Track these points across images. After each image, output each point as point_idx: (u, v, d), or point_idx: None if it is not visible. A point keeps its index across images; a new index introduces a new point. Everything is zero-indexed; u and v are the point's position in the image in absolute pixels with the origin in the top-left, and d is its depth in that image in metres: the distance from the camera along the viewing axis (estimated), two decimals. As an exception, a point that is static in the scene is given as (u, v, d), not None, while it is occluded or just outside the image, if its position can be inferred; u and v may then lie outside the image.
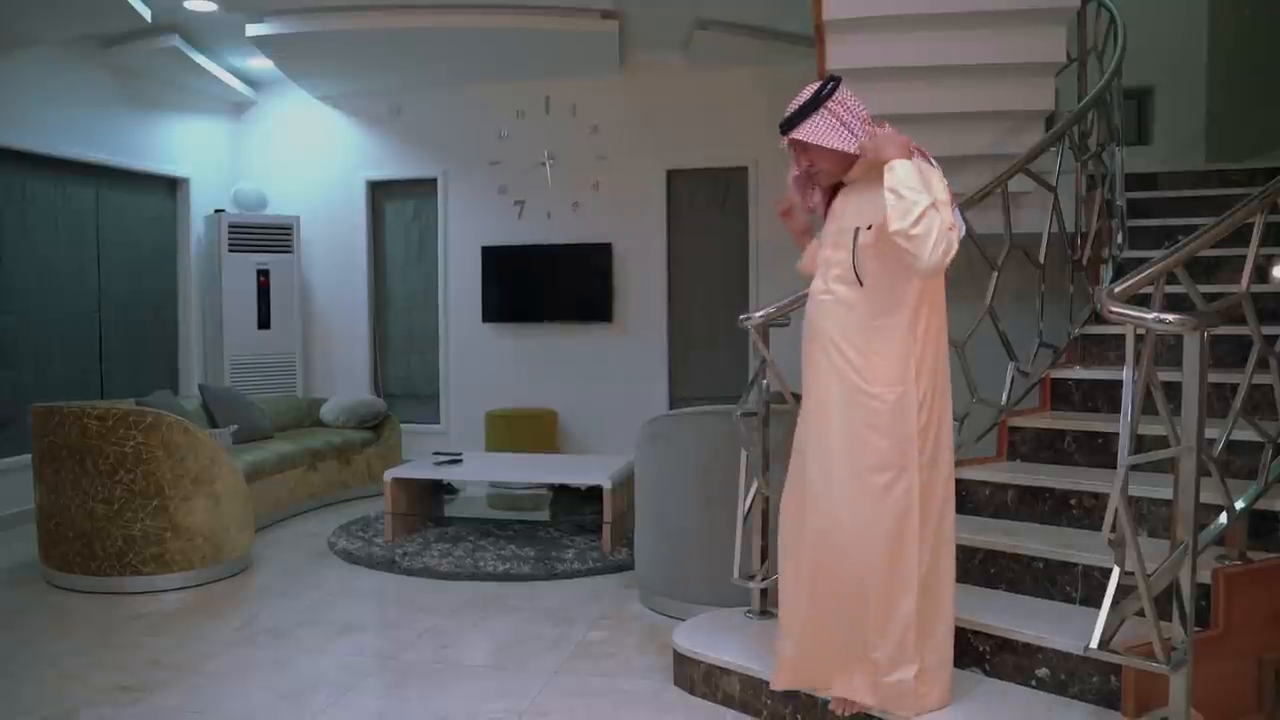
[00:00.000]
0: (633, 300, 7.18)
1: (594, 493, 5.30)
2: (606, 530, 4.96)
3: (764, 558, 3.44)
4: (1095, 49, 4.67)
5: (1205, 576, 2.58)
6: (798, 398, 3.30)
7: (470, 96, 7.39)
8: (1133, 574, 2.30)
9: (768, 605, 3.46)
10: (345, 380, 7.69)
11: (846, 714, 2.72)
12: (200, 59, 6.71)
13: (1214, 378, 2.88)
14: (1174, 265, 2.47)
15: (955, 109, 4.80)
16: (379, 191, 7.77)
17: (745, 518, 3.45)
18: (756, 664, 3.03)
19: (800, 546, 2.77)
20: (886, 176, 2.51)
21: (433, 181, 7.56)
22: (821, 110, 2.65)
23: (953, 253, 2.44)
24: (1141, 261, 2.65)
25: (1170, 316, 2.28)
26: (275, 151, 7.79)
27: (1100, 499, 3.14)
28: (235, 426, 5.78)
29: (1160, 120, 6.51)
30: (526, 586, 4.52)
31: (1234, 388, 2.78)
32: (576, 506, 5.77)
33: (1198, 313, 2.34)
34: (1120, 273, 4.19)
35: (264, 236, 7.36)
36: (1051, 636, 2.73)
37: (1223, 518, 2.66)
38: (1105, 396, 3.74)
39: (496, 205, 7.40)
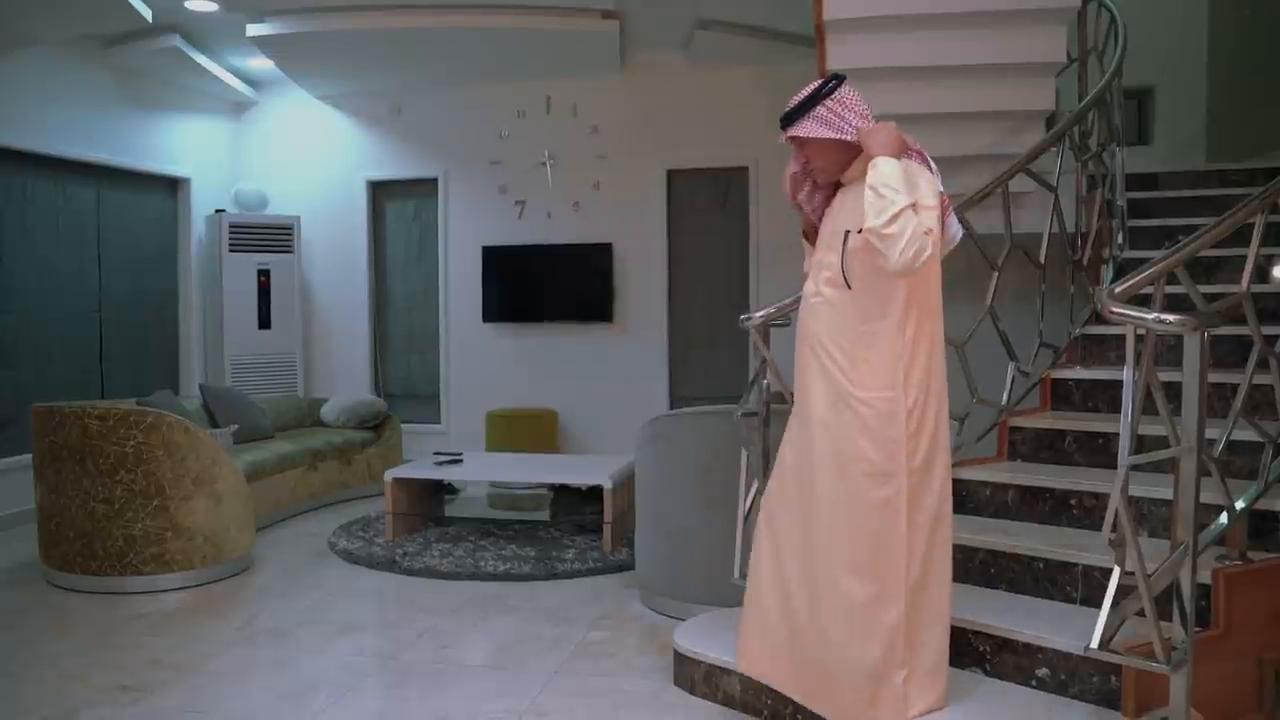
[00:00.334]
0: (633, 300, 7.18)
1: (594, 493, 5.31)
2: (607, 530, 4.96)
3: (764, 558, 3.43)
4: (1095, 49, 4.66)
5: (1205, 576, 2.58)
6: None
7: (471, 96, 7.39)
8: (1133, 574, 2.30)
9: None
10: (346, 380, 7.69)
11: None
12: (201, 59, 6.72)
13: (1214, 378, 2.88)
14: (1174, 265, 2.47)
15: (956, 109, 4.80)
16: (379, 191, 7.77)
17: (745, 518, 3.45)
18: (757, 664, 3.03)
19: (784, 544, 2.77)
20: (869, 173, 2.50)
21: (433, 181, 7.57)
22: (819, 107, 2.64)
23: (924, 256, 2.42)
24: (1142, 262, 2.65)
25: (1170, 317, 2.28)
26: (276, 151, 7.80)
27: (1101, 499, 3.14)
28: (236, 426, 5.79)
29: (1161, 120, 6.51)
30: (527, 586, 4.52)
31: (1234, 388, 2.78)
32: (577, 506, 5.77)
33: (1198, 313, 2.34)
34: (1121, 273, 4.19)
35: (264, 236, 7.36)
36: (1052, 636, 2.73)
37: (1223, 518, 2.66)
38: (1106, 397, 3.74)
39: (497, 205, 7.40)
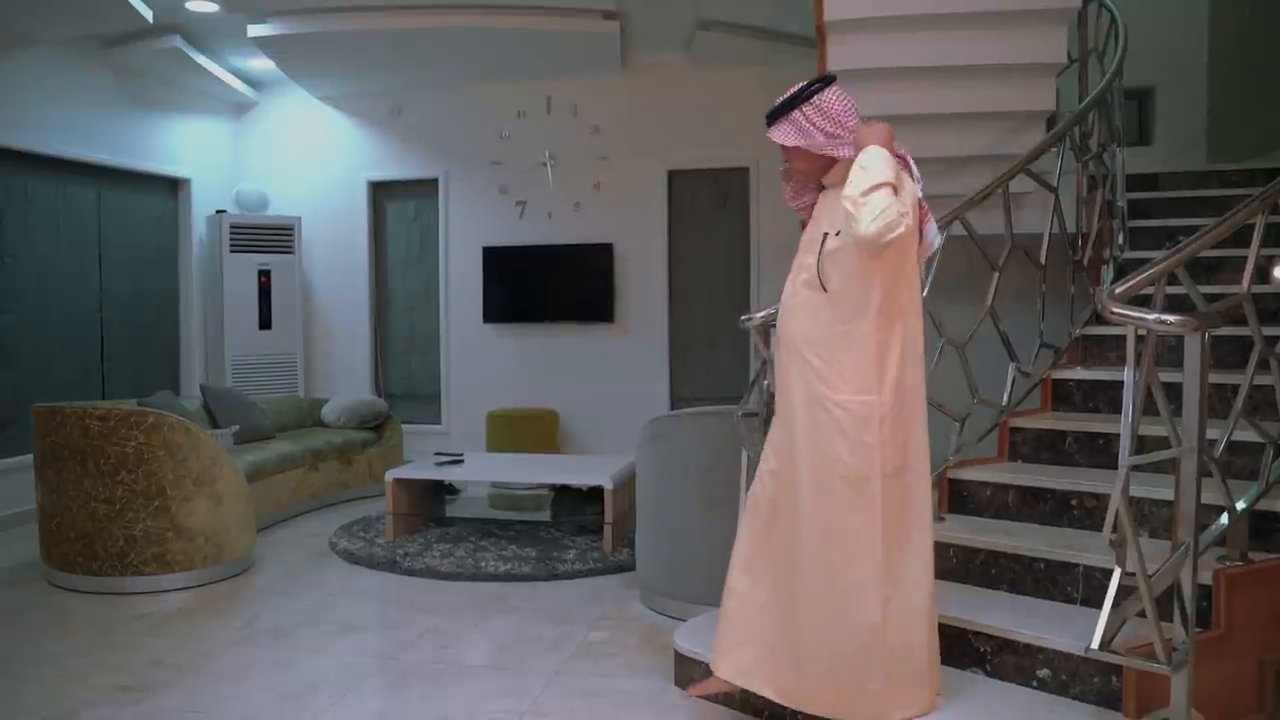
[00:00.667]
0: (634, 300, 7.18)
1: (595, 493, 5.31)
2: (607, 531, 4.96)
3: (765, 558, 3.43)
4: (1096, 49, 4.66)
5: (1206, 577, 2.58)
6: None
7: (471, 97, 7.39)
8: (1134, 575, 2.30)
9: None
10: (346, 380, 7.69)
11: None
12: (202, 59, 6.72)
13: (1215, 378, 2.88)
14: (1175, 266, 2.47)
15: (956, 109, 4.80)
16: (380, 192, 7.77)
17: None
18: (757, 664, 3.03)
19: (764, 546, 2.77)
20: (860, 156, 2.50)
21: (434, 182, 7.57)
22: (796, 111, 2.63)
23: (894, 234, 2.40)
24: (1142, 262, 2.65)
25: (1171, 317, 2.28)
26: (276, 152, 7.80)
27: (1101, 500, 3.14)
28: (237, 427, 5.79)
29: (1161, 121, 6.51)
30: (527, 587, 4.52)
31: (1235, 388, 2.78)
32: (577, 507, 5.77)
33: (1199, 313, 2.34)
34: (1121, 273, 4.18)
35: (265, 237, 7.36)
36: (1052, 637, 2.73)
37: (1224, 518, 2.66)
38: (1106, 397, 3.74)
39: (497, 205, 7.40)
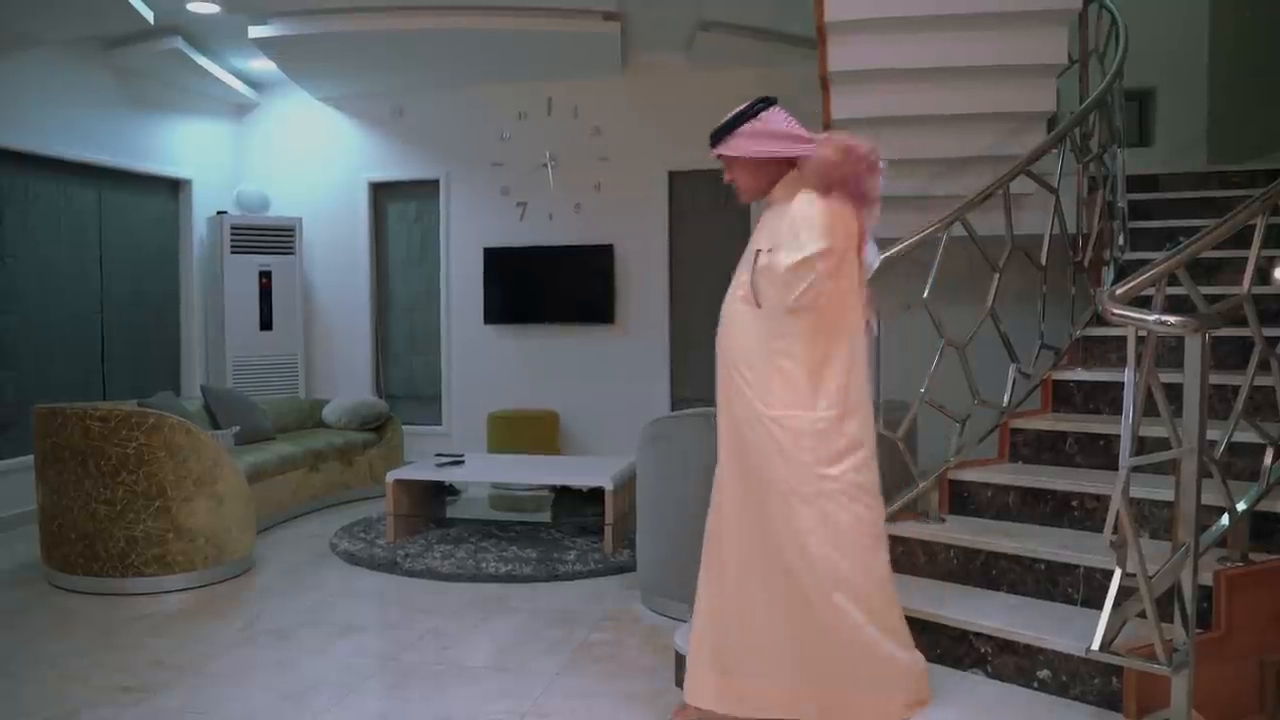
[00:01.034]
0: (634, 301, 7.19)
1: (596, 494, 5.31)
2: (608, 531, 4.96)
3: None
4: (1097, 50, 4.67)
5: (1207, 578, 2.58)
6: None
7: (472, 98, 7.39)
8: (1134, 575, 2.30)
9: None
10: (347, 381, 7.69)
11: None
12: (202, 61, 6.72)
13: (1215, 379, 2.88)
14: (1175, 267, 2.47)
15: (957, 110, 4.80)
16: (381, 193, 7.77)
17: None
18: (758, 665, 3.03)
19: (723, 560, 2.75)
20: (800, 205, 2.56)
21: (434, 183, 7.57)
22: (738, 131, 2.74)
23: (811, 304, 2.48)
24: (1143, 263, 2.65)
25: (1171, 318, 2.28)
26: (277, 153, 7.80)
27: (1102, 500, 3.14)
28: (237, 428, 5.79)
29: (1162, 122, 6.51)
30: (528, 588, 4.52)
31: (1235, 389, 2.78)
32: (578, 508, 5.77)
33: (1199, 314, 2.35)
34: (1122, 274, 4.19)
35: (266, 238, 7.37)
36: (1053, 638, 2.73)
37: (1224, 519, 2.66)
38: (1107, 398, 3.74)
39: (498, 206, 7.41)
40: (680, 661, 3.26)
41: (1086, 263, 4.11)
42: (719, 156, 2.76)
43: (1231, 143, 5.90)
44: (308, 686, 3.35)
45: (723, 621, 2.73)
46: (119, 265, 6.76)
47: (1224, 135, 6.05)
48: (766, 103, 2.73)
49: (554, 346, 7.33)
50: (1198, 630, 2.35)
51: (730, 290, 2.74)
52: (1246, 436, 2.88)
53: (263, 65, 7.02)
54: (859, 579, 2.55)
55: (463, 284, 7.50)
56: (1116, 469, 2.37)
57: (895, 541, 3.40)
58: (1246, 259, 2.74)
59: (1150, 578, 2.29)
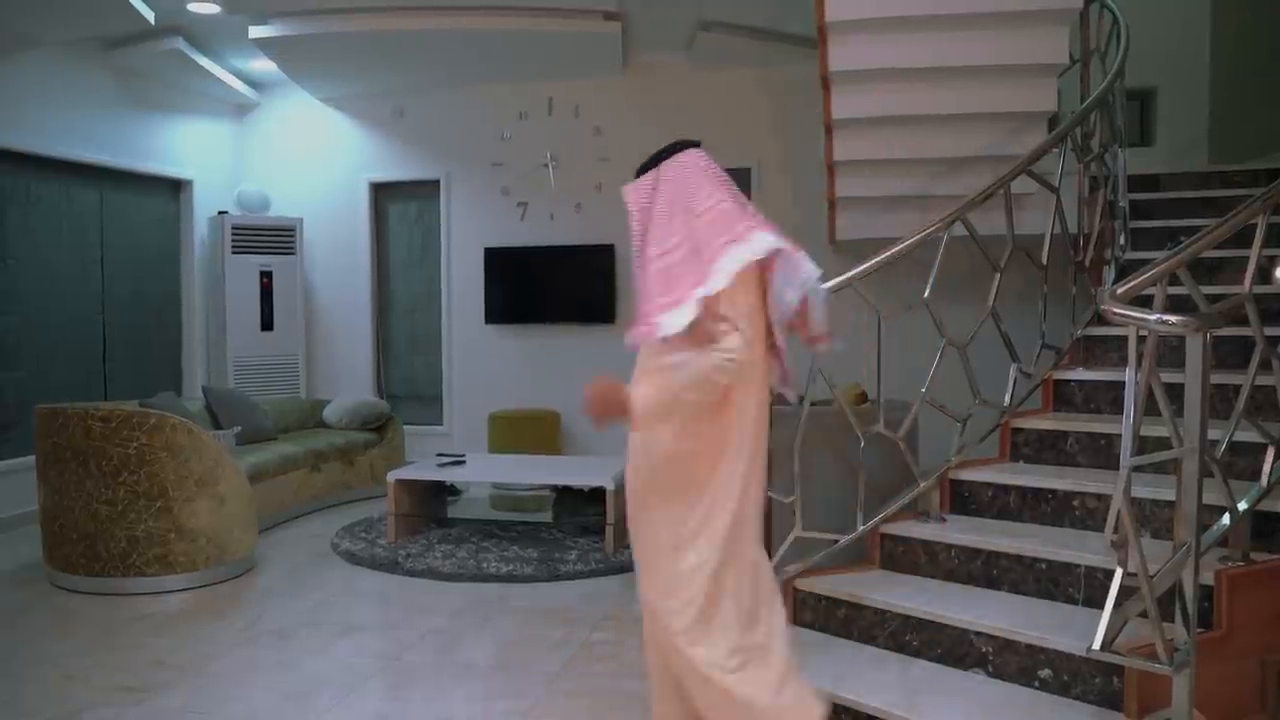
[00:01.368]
0: (635, 301, 7.16)
1: (596, 494, 5.31)
2: (609, 531, 4.96)
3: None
4: (1098, 50, 4.67)
5: (1208, 578, 2.58)
6: (800, 399, 3.31)
7: (473, 98, 7.40)
8: (1135, 575, 2.30)
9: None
10: (348, 381, 7.69)
11: None
12: (203, 61, 6.73)
13: (1216, 379, 2.88)
14: (1176, 266, 2.47)
15: (957, 110, 4.81)
16: (381, 193, 7.77)
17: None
18: (759, 665, 3.03)
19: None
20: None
21: (435, 183, 7.57)
22: (646, 176, 2.65)
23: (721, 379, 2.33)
24: (1144, 263, 2.65)
25: (1172, 318, 2.28)
26: (278, 153, 7.81)
27: (1103, 500, 3.14)
28: (239, 428, 5.79)
29: (1163, 121, 6.51)
30: (529, 588, 4.53)
31: (1236, 389, 2.78)
32: (579, 508, 5.77)
33: (1200, 314, 2.35)
34: (1123, 274, 4.19)
35: (267, 238, 7.37)
36: (1054, 638, 2.73)
37: (1225, 519, 2.66)
38: (1108, 398, 3.74)
39: (499, 206, 7.40)
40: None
41: (1087, 262, 4.11)
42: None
43: (1232, 142, 5.90)
44: (309, 686, 3.35)
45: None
46: (120, 266, 6.77)
47: (1225, 135, 6.05)
48: (686, 146, 2.65)
49: (555, 346, 7.32)
50: (1199, 630, 2.35)
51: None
52: (1248, 436, 2.87)
53: (263, 65, 7.02)
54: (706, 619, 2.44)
55: (463, 284, 7.50)
56: (1118, 469, 2.37)
57: (897, 541, 3.41)
58: (1248, 258, 2.74)
59: (1151, 577, 2.29)
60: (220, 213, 7.32)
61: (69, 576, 4.47)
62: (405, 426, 7.15)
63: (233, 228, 7.22)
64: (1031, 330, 3.83)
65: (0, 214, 5.83)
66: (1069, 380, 3.85)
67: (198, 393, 6.66)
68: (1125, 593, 2.36)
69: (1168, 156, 6.15)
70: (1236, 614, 2.57)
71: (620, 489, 5.02)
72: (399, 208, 7.78)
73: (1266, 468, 2.81)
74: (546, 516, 5.84)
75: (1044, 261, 3.79)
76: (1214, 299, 2.64)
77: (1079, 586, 2.97)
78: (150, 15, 5.65)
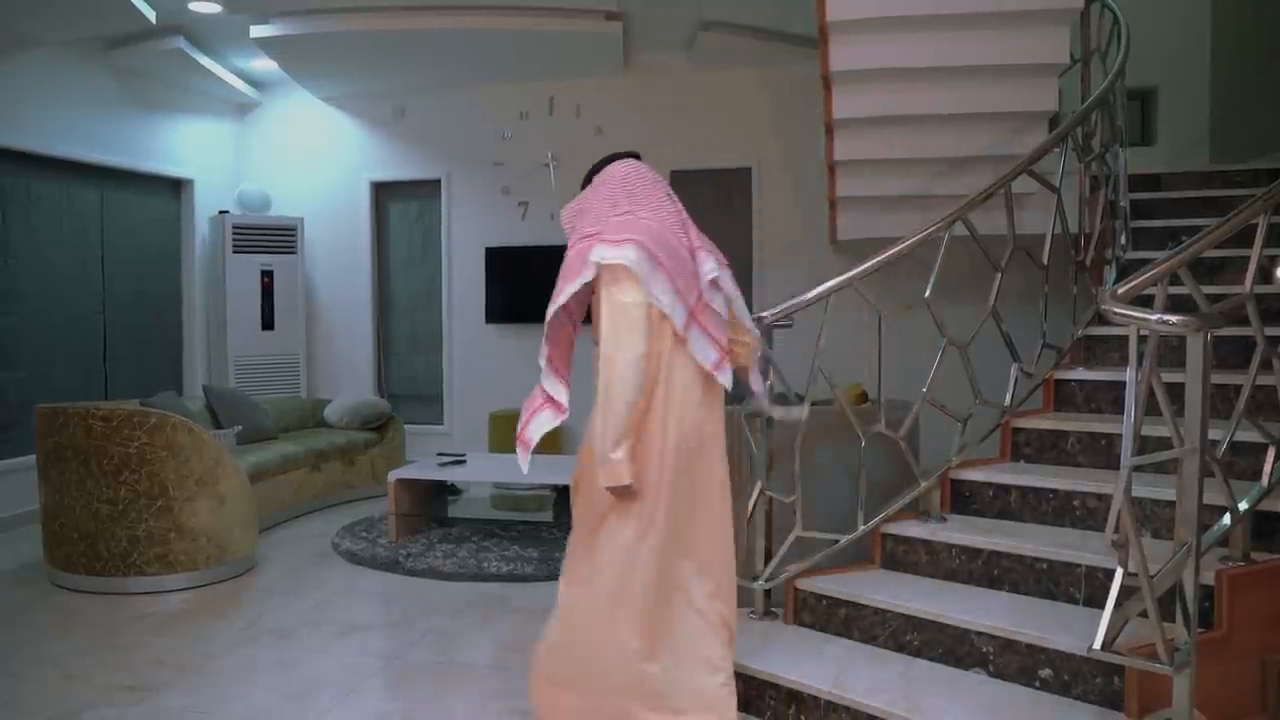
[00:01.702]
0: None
1: (597, 493, 5.30)
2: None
3: (768, 559, 3.44)
4: (1098, 50, 4.66)
5: (1208, 578, 2.57)
6: (801, 399, 3.31)
7: (474, 97, 7.40)
8: (1136, 575, 2.30)
9: (771, 606, 3.46)
10: (349, 381, 7.69)
11: None
12: (204, 60, 6.73)
13: (1217, 379, 2.88)
14: (1177, 266, 2.47)
15: (958, 109, 4.81)
16: (382, 192, 7.78)
17: (749, 518, 3.45)
18: (760, 664, 3.03)
19: None
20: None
21: (436, 183, 7.58)
22: (578, 197, 2.78)
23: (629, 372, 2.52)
24: (1145, 262, 2.65)
25: (1173, 318, 2.27)
26: (279, 153, 7.81)
27: (1103, 500, 3.14)
28: (239, 427, 5.79)
29: (1164, 121, 6.51)
30: (530, 587, 4.53)
31: (1237, 389, 2.77)
32: (580, 507, 5.76)
33: (1201, 314, 2.34)
34: (1124, 274, 4.18)
35: (268, 237, 7.37)
36: (1055, 637, 2.73)
37: (1226, 519, 2.66)
38: (1108, 397, 3.74)
39: (500, 206, 7.41)
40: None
41: (1088, 262, 4.10)
42: None
43: (1233, 142, 5.90)
44: (310, 686, 3.35)
45: None
46: (121, 265, 6.77)
47: (1226, 134, 6.05)
48: (611, 160, 2.82)
49: (555, 346, 7.31)
50: (1199, 630, 2.35)
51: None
52: (1248, 436, 2.87)
53: (264, 65, 7.02)
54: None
55: (464, 283, 7.50)
56: (1118, 468, 2.36)
57: (897, 541, 3.41)
58: (1248, 258, 2.73)
59: (1152, 577, 2.29)
60: (221, 212, 7.32)
61: (69, 576, 4.47)
62: (406, 426, 7.15)
63: (233, 227, 7.22)
64: (1032, 330, 3.83)
65: (1, 213, 5.83)
66: (1070, 380, 3.85)
67: (198, 392, 6.66)
68: (1126, 592, 2.36)
69: (1169, 156, 6.15)
70: (1237, 614, 2.57)
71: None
72: (400, 207, 7.78)
73: (1267, 468, 2.81)
74: (547, 516, 5.84)
75: (1045, 261, 3.79)
76: (1215, 299, 2.64)
77: (1079, 586, 2.97)
78: (151, 15, 5.65)
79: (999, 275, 3.58)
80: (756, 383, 2.95)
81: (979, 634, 2.89)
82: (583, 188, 2.79)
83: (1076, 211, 4.22)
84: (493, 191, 7.41)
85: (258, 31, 6.27)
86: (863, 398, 4.11)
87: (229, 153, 7.76)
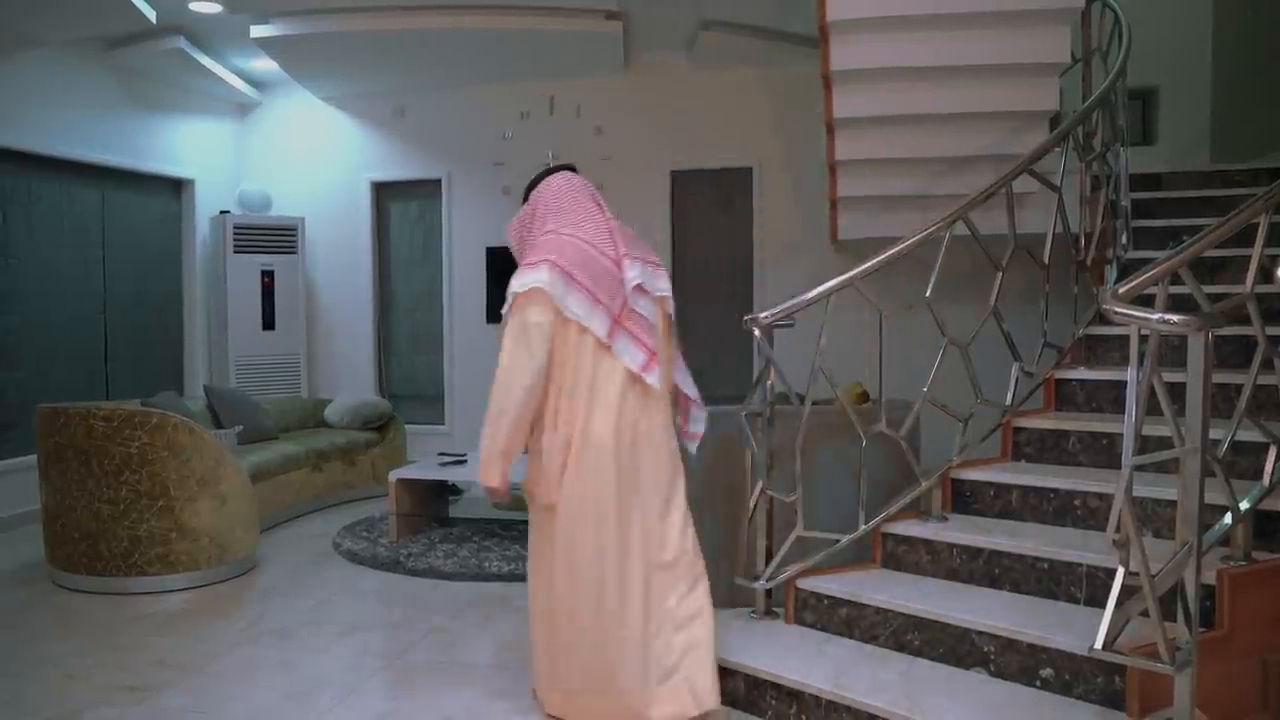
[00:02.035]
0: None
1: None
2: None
3: (769, 558, 3.44)
4: (1099, 49, 4.66)
5: (1210, 577, 2.57)
6: (802, 398, 3.31)
7: (474, 97, 7.40)
8: (1137, 574, 2.30)
9: (772, 605, 3.46)
10: (349, 381, 7.70)
11: None
12: (205, 60, 6.73)
13: (1218, 378, 2.88)
14: (1178, 266, 2.47)
15: (959, 109, 4.80)
16: (383, 192, 7.78)
17: (750, 518, 3.46)
18: (761, 664, 3.03)
19: None
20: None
21: (437, 182, 7.58)
22: (519, 214, 3.10)
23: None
24: (1146, 262, 2.64)
25: (1174, 317, 2.27)
26: (280, 153, 7.81)
27: (1104, 499, 3.14)
28: (240, 427, 5.80)
29: (1165, 120, 6.50)
30: (530, 587, 4.52)
31: (1238, 388, 2.77)
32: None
33: (1202, 313, 2.34)
34: (1124, 273, 4.17)
35: (268, 237, 7.37)
36: (1056, 637, 2.73)
37: (1227, 518, 2.66)
38: (1109, 397, 3.73)
39: (500, 206, 7.40)
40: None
41: (1089, 261, 4.10)
42: None
43: (1234, 141, 5.89)
44: (311, 686, 3.35)
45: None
46: (122, 265, 6.77)
47: (1227, 134, 6.05)
48: (549, 172, 3.13)
49: (556, 346, 7.31)
50: (1200, 629, 2.35)
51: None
52: (1249, 435, 2.87)
53: (265, 65, 7.02)
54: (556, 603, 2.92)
55: (465, 283, 7.50)
56: (1119, 468, 2.36)
57: (898, 540, 3.41)
58: (1249, 258, 2.73)
59: (1153, 577, 2.29)
60: (222, 212, 7.32)
61: (70, 576, 4.47)
62: (406, 426, 7.16)
63: (234, 227, 7.22)
64: (1033, 329, 3.83)
65: (2, 213, 5.83)
66: (1071, 380, 3.85)
67: (199, 392, 6.66)
68: (1127, 592, 2.36)
69: (1169, 156, 6.15)
70: (1238, 613, 2.57)
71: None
72: (400, 207, 7.78)
73: (1268, 467, 2.81)
74: (548, 516, 5.83)
75: (1046, 261, 3.79)
76: (1216, 298, 2.64)
77: (1081, 586, 2.97)
78: (152, 14, 5.65)
79: (1000, 275, 3.58)
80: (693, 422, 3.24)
81: (980, 633, 2.89)
82: (523, 203, 3.05)
83: (1077, 211, 4.22)
84: (493, 191, 7.41)
85: (258, 31, 6.27)
86: (864, 397, 4.11)
87: (229, 153, 7.76)
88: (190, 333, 7.39)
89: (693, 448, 3.24)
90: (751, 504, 3.44)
